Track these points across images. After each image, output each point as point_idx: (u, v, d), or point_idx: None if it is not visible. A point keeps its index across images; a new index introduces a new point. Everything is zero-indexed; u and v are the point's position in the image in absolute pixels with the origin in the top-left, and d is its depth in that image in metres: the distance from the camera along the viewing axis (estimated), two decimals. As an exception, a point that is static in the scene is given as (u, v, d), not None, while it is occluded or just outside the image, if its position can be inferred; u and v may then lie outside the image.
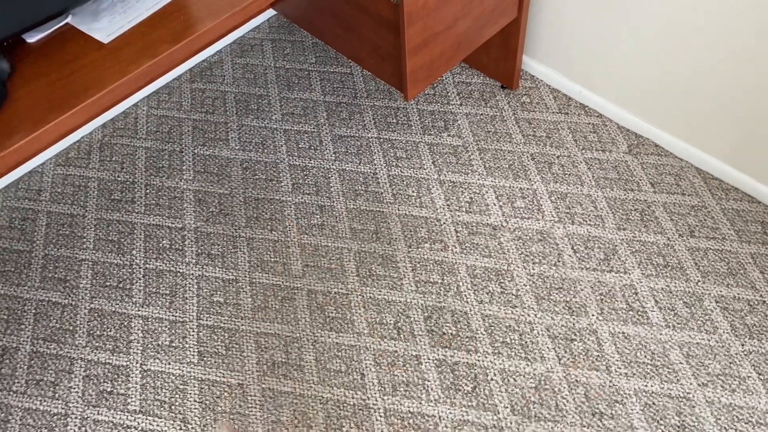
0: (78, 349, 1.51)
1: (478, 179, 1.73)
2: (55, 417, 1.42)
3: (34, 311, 1.57)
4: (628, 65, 1.68)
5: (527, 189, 1.70)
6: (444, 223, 1.65)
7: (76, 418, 1.41)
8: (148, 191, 1.77)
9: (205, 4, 1.02)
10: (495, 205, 1.68)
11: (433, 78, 1.55)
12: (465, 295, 1.53)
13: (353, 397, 1.40)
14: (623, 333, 1.45)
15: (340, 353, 1.47)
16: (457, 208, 1.68)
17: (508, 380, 1.40)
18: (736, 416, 1.33)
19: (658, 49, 1.59)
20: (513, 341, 1.46)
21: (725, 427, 1.31)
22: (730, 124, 1.57)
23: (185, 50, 0.97)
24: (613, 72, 1.73)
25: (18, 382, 1.47)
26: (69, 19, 1.01)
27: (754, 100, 1.49)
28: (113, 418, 1.41)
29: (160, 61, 0.95)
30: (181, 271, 1.62)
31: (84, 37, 0.98)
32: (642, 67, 1.66)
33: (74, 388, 1.45)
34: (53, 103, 0.92)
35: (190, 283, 1.60)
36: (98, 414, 1.41)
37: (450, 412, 1.37)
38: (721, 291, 1.49)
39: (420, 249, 1.61)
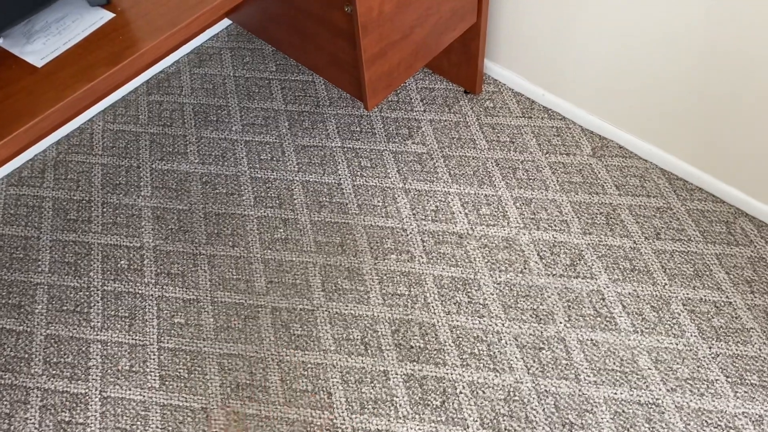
0: (34, 378, 1.45)
1: (444, 187, 1.70)
2: (11, 451, 1.37)
3: (-13, 340, 1.51)
4: (589, 67, 1.67)
5: (492, 195, 1.68)
6: (410, 233, 1.63)
7: (32, 450, 1.36)
8: (105, 209, 1.72)
9: (146, 21, 0.98)
10: (461, 212, 1.65)
11: (393, 87, 1.53)
12: (432, 307, 1.51)
13: (320, 417, 1.37)
14: (591, 340, 1.44)
15: (306, 372, 1.43)
16: (423, 217, 1.65)
17: (477, 393, 1.38)
18: (705, 420, 1.32)
19: (620, 50, 1.58)
20: (481, 352, 1.43)
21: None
22: (693, 124, 1.57)
23: (124, 72, 0.92)
24: (575, 74, 1.72)
25: (-29, 416, 1.41)
26: (0, 42, 0.96)
27: (717, 99, 1.48)
28: (72, 449, 1.36)
29: (98, 84, 0.90)
30: (140, 292, 1.57)
31: (16, 60, 0.93)
32: (603, 69, 1.65)
33: (30, 419, 1.40)
34: (-16, 132, 0.87)
35: (149, 305, 1.55)
36: (56, 446, 1.37)
37: (419, 429, 1.35)
38: (687, 293, 1.49)
39: (386, 260, 1.58)
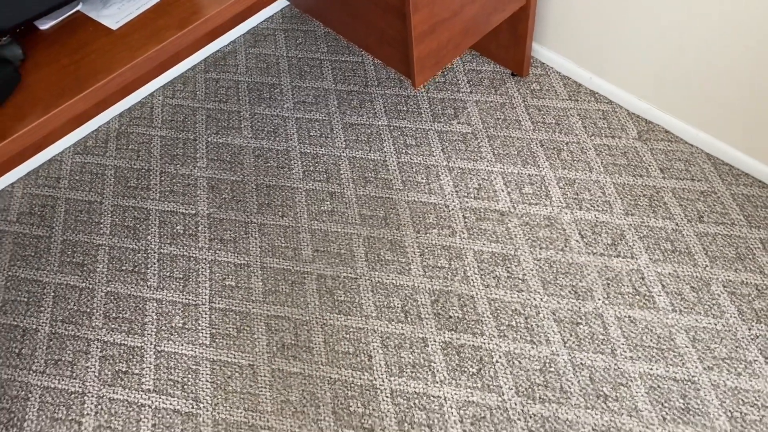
0: (95, 331, 1.55)
1: (487, 166, 1.74)
2: (73, 395, 1.46)
3: (53, 294, 1.62)
4: (638, 51, 1.68)
5: (535, 175, 1.71)
6: (452, 209, 1.67)
7: (92, 396, 1.46)
8: (162, 178, 1.81)
9: (211, -10, 1.05)
10: (503, 191, 1.69)
11: (440, 65, 1.57)
12: (472, 280, 1.55)
13: (360, 378, 1.43)
14: (629, 317, 1.46)
15: (348, 335, 1.49)
16: (466, 194, 1.69)
17: (513, 362, 1.42)
18: (741, 399, 1.33)
19: (669, 34, 1.59)
20: (519, 324, 1.47)
21: (730, 410, 1.32)
22: (742, 109, 1.56)
23: (191, 35, 0.99)
24: (624, 58, 1.73)
25: (37, 362, 1.52)
26: (80, 7, 1.05)
27: (766, 84, 1.48)
28: (128, 396, 1.45)
29: (167, 46, 0.97)
30: (194, 255, 1.66)
31: (94, 24, 1.02)
32: (652, 53, 1.65)
33: (91, 368, 1.50)
34: (64, 88, 0.96)
35: (203, 268, 1.63)
36: (114, 393, 1.46)
37: (455, 393, 1.39)
38: (728, 276, 1.49)
39: (428, 234, 1.63)
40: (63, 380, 1.49)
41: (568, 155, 1.73)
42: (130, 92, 1.68)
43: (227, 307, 1.56)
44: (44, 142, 1.55)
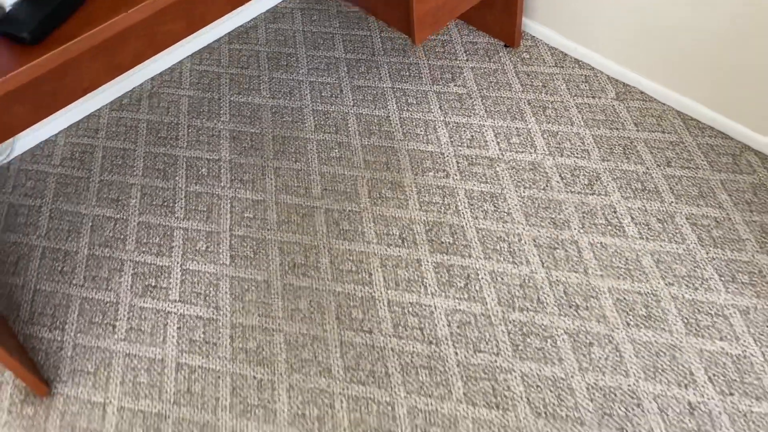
0: (128, 253, 1.75)
1: (479, 120, 1.94)
2: (108, 304, 1.66)
3: (90, 224, 1.83)
4: (617, 21, 1.88)
5: (523, 128, 1.90)
6: (447, 156, 1.87)
7: (125, 305, 1.65)
8: (190, 130, 2.02)
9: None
10: (493, 141, 1.88)
11: (439, 25, 1.78)
12: (462, 213, 1.74)
13: (361, 291, 1.62)
14: (601, 243, 1.64)
15: (351, 257, 1.68)
16: (460, 144, 1.89)
17: (497, 279, 1.60)
18: (697, 309, 1.50)
19: (644, 6, 1.79)
20: (502, 249, 1.65)
21: (686, 317, 1.49)
22: (709, 69, 1.76)
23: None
24: (605, 28, 1.93)
25: (77, 278, 1.72)
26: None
27: (730, 47, 1.67)
28: (156, 305, 1.65)
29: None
30: (217, 193, 1.86)
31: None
32: (630, 23, 1.86)
33: (124, 283, 1.70)
34: (119, 4, 1.17)
35: (224, 203, 1.84)
36: (144, 302, 1.65)
37: (444, 303, 1.57)
38: (691, 210, 1.67)
39: (425, 176, 1.83)
40: (99, 292, 1.68)
41: (552, 112, 1.93)
42: (158, 50, 1.89)
43: (245, 234, 1.76)
44: (90, 86, 1.78)
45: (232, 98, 2.10)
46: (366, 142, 1.93)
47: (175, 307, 1.64)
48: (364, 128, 1.96)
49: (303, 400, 1.46)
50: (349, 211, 1.78)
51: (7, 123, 1.70)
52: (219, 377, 1.51)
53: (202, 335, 1.58)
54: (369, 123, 1.97)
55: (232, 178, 1.89)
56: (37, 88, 1.71)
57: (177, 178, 1.91)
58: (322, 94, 2.07)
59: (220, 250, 1.74)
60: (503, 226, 1.70)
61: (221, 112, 2.06)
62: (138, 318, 1.63)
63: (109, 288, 1.69)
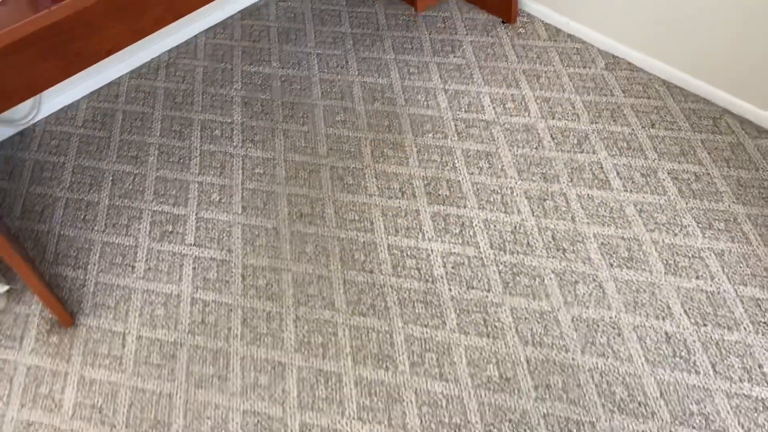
0: (146, 203, 1.88)
1: (477, 88, 2.06)
2: (127, 248, 1.78)
3: (111, 178, 1.95)
4: (604, -7, 2.01)
5: (517, 95, 2.03)
6: (446, 119, 1.99)
7: (143, 248, 1.78)
8: (204, 97, 2.15)
9: None
10: (489, 106, 2.01)
11: (437, -5, 1.90)
12: (459, 169, 1.86)
13: (363, 237, 1.74)
14: (588, 195, 1.75)
15: (354, 208, 1.80)
16: (458, 109, 2.01)
17: (489, 226, 1.72)
18: (676, 252, 1.61)
19: (628, -23, 1.92)
20: (495, 200, 1.77)
21: (665, 259, 1.60)
22: (693, 39, 1.88)
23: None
24: (595, 4, 2.05)
25: (98, 225, 1.84)
26: None
27: (712, 17, 1.80)
28: (173, 248, 1.76)
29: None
30: (229, 151, 1.98)
31: None
32: (615, -6, 1.98)
33: (142, 229, 1.82)
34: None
35: (236, 160, 1.96)
36: (161, 246, 1.77)
37: (440, 247, 1.69)
38: (673, 166, 1.79)
39: (424, 137, 1.95)
40: (119, 237, 1.81)
41: (545, 80, 2.05)
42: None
43: (256, 187, 1.88)
44: (113, 48, 1.91)
45: (244, 68, 2.23)
46: (369, 108, 2.05)
47: (190, 250, 1.76)
48: (368, 95, 2.09)
49: (309, 330, 1.57)
50: (353, 168, 1.90)
51: (36, 79, 1.83)
52: (231, 310, 1.62)
53: (215, 274, 1.70)
54: (373, 90, 2.10)
55: (244, 138, 2.02)
56: (64, 48, 1.84)
57: (192, 138, 2.03)
58: (329, 65, 2.20)
59: (233, 201, 1.86)
60: (497, 181, 1.82)
61: (234, 80, 2.19)
62: (156, 259, 1.74)
63: (129, 234, 1.81)
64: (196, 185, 1.91)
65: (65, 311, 1.60)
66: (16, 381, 1.55)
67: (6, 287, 1.61)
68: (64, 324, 1.63)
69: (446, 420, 1.40)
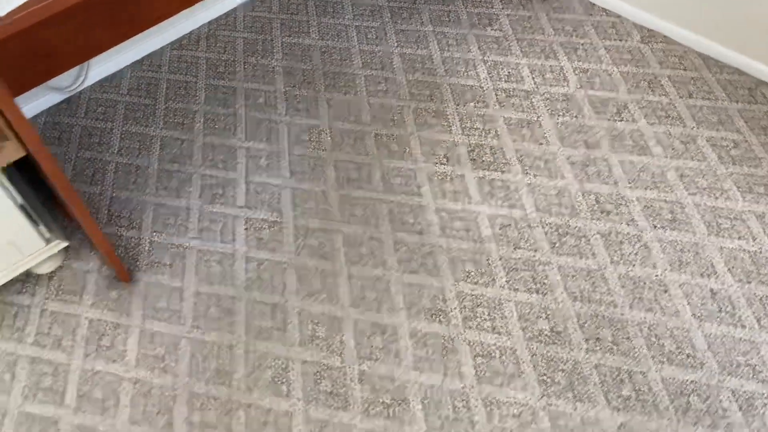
0: (195, 168, 1.92)
1: (515, 59, 2.10)
2: (180, 209, 1.83)
3: (159, 143, 1.99)
4: (641, -33, 2.05)
5: (556, 66, 2.07)
6: (486, 89, 2.03)
7: (195, 210, 1.82)
8: (246, 66, 2.19)
9: None
10: (529, 77, 2.05)
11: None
12: (502, 137, 1.90)
13: (411, 200, 1.78)
14: (630, 161, 1.80)
15: (401, 173, 1.85)
16: (498, 79, 2.05)
17: (534, 190, 1.77)
18: (718, 214, 1.66)
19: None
20: (539, 166, 1.82)
21: (708, 221, 1.65)
22: (728, 12, 1.92)
23: None
24: (630, -24, 2.10)
25: (150, 188, 1.89)
26: None
27: (742, -17, 1.84)
28: (225, 210, 1.81)
29: None
30: (274, 119, 2.03)
31: None
32: (653, -32, 2.02)
33: (193, 192, 1.86)
34: None
35: (282, 127, 2.00)
36: (213, 208, 1.82)
37: (487, 210, 1.74)
38: (711, 134, 1.83)
39: (466, 106, 1.99)
40: (171, 199, 1.85)
41: (582, 53, 2.10)
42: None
43: (302, 153, 1.93)
44: (161, 16, 1.95)
45: (283, 39, 2.27)
46: (410, 78, 2.09)
47: (242, 211, 1.80)
48: (408, 66, 2.13)
49: (362, 286, 1.62)
50: (397, 135, 1.95)
51: (88, 45, 1.87)
52: (285, 268, 1.67)
53: (268, 234, 1.74)
54: (412, 61, 2.14)
55: (288, 107, 2.06)
56: (116, 15, 1.88)
57: (237, 106, 2.08)
58: (368, 37, 2.24)
59: (281, 166, 1.90)
60: (539, 147, 1.86)
61: (274, 51, 2.23)
62: (208, 220, 1.79)
63: (180, 196, 1.86)
64: (244, 151, 1.95)
65: (124, 267, 1.64)
66: (79, 333, 1.59)
67: (65, 243, 1.65)
68: (122, 280, 1.67)
69: (500, 369, 1.45)
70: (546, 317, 1.52)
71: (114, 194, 1.88)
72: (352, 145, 1.93)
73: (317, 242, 1.72)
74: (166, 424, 1.43)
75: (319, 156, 1.92)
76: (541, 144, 1.87)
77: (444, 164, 1.85)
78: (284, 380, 1.47)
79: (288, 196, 1.83)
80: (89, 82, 2.19)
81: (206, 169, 1.91)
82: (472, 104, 2.00)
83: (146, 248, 1.75)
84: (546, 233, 1.68)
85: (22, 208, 1.53)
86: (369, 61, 2.16)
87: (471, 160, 1.86)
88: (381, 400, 1.43)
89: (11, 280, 1.70)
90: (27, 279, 1.70)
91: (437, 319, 1.55)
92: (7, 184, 1.48)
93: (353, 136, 1.96)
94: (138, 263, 1.72)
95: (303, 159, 1.91)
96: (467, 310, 1.56)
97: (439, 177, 1.82)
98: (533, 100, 1.98)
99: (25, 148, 1.37)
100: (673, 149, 1.81)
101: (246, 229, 1.77)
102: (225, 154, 1.95)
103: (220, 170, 1.91)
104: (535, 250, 1.64)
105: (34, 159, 1.39)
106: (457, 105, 2.00)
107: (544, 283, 1.58)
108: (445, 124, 1.95)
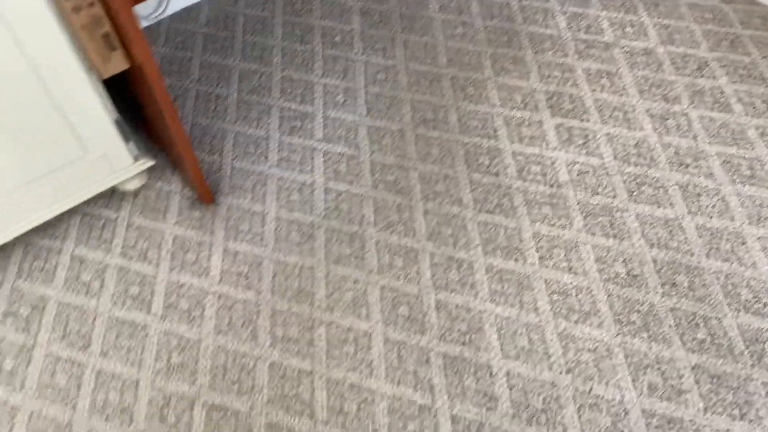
0: (274, 99, 1.95)
1: (595, 11, 2.09)
2: (259, 138, 1.87)
3: (238, 74, 2.03)
4: (732, -77, 2.01)
5: (636, 20, 2.05)
6: (565, 39, 2.03)
7: (275, 140, 1.86)
8: (323, 4, 2.21)
9: None
10: (609, 29, 2.04)
11: None
12: (581, 86, 1.90)
13: (487, 143, 1.80)
14: (710, 117, 1.80)
15: (477, 116, 1.86)
16: (577, 29, 2.05)
17: (613, 139, 1.77)
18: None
19: None
20: (618, 116, 1.82)
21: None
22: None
23: None
24: (719, -67, 2.06)
25: (230, 117, 1.93)
26: None
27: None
28: (303, 142, 1.85)
29: None
30: (351, 57, 2.05)
31: None
32: (745, -76, 1.98)
33: (272, 123, 1.90)
34: None
35: (358, 66, 2.02)
36: (291, 139, 1.86)
37: (564, 156, 1.75)
38: (795, 95, 1.82)
39: (545, 55, 1.99)
40: (250, 128, 1.89)
41: (663, 9, 2.08)
42: None
43: (379, 92, 1.95)
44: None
45: (360, -19, 2.27)
46: (488, 24, 2.09)
47: (320, 144, 1.84)
48: (486, 12, 2.13)
49: (438, 222, 1.65)
50: (474, 79, 1.96)
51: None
52: (363, 200, 1.71)
53: (345, 167, 1.78)
54: (490, 7, 2.14)
55: (364, 46, 2.07)
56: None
57: (314, 42, 2.10)
58: (445, -18, 2.24)
59: (357, 104, 1.93)
60: (618, 98, 1.86)
61: (351, -9, 2.24)
62: (287, 150, 1.83)
63: (259, 126, 1.90)
64: (321, 86, 1.98)
65: (208, 188, 1.69)
66: (164, 248, 1.65)
67: (152, 162, 1.70)
68: (205, 201, 1.72)
69: (576, 307, 1.49)
70: (623, 261, 1.55)
71: (195, 120, 1.92)
72: (428, 86, 1.95)
73: (393, 178, 1.75)
74: (251, 336, 1.49)
75: (395, 95, 1.94)
76: (621, 95, 1.87)
77: (521, 109, 1.87)
78: (364, 303, 1.52)
79: (364, 132, 1.86)
80: (169, 11, 2.22)
81: (285, 102, 1.95)
82: (550, 53, 1.99)
83: (228, 173, 1.79)
84: (624, 181, 1.69)
85: (117, 123, 1.58)
86: (446, 5, 2.16)
87: (549, 107, 1.86)
88: (457, 328, 1.48)
89: (98, 194, 1.76)
90: (112, 195, 1.76)
91: (513, 257, 1.58)
92: (107, 98, 1.52)
93: (429, 78, 1.97)
94: (220, 186, 1.77)
95: (379, 98, 1.93)
96: (543, 250, 1.58)
97: (517, 122, 1.84)
98: (613, 52, 1.97)
99: (131, 61, 1.40)
100: (754, 108, 1.80)
101: (324, 161, 1.80)
102: (303, 89, 1.98)
103: (298, 104, 1.94)
104: (613, 197, 1.66)
105: (133, 74, 1.43)
106: (536, 53, 2.00)
107: (621, 229, 1.60)
108: (524, 70, 1.96)
